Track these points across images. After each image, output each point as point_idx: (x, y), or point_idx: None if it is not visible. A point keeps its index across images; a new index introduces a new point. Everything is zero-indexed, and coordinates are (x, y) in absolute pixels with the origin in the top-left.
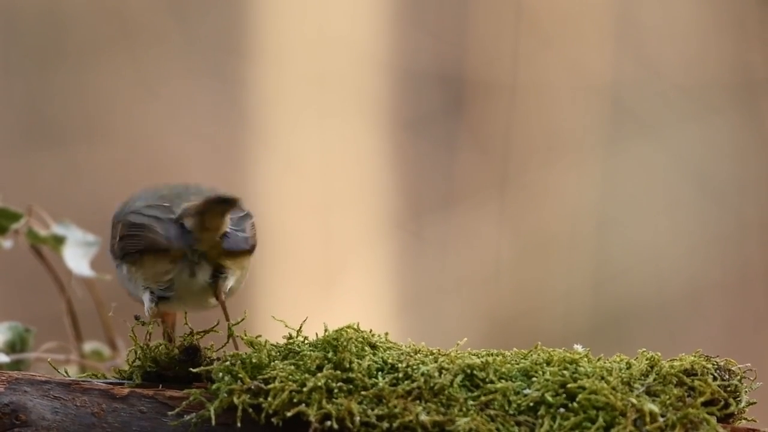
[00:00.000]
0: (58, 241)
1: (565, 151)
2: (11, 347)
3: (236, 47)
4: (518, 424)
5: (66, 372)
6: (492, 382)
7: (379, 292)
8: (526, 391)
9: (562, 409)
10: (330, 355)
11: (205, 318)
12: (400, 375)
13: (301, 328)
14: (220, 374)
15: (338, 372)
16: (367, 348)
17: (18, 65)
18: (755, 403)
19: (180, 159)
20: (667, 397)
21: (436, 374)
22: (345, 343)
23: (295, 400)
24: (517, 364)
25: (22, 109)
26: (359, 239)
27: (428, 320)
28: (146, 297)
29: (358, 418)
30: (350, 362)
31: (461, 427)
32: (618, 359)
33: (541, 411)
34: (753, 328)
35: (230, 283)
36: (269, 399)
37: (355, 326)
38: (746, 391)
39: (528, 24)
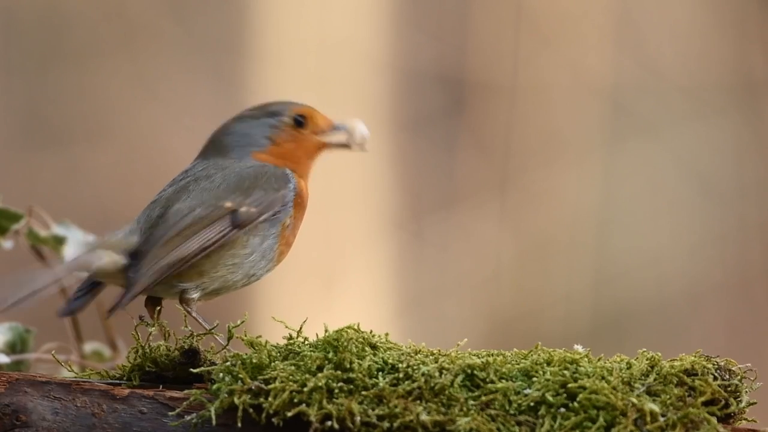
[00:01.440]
0: (59, 241)
1: (565, 151)
2: (11, 348)
3: (236, 47)
4: (519, 423)
5: (71, 368)
6: (492, 382)
7: (379, 292)
8: (527, 391)
9: (562, 409)
10: (330, 355)
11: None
12: (401, 375)
13: (301, 328)
14: (221, 374)
15: (339, 372)
16: (367, 348)
17: (18, 65)
18: (755, 403)
19: (180, 159)
20: (668, 396)
21: (437, 374)
22: (345, 344)
23: (295, 401)
24: (518, 364)
25: (22, 109)
26: (359, 240)
27: (428, 321)
28: None
29: (358, 418)
30: (351, 362)
31: (462, 427)
32: (618, 359)
33: (542, 411)
34: (753, 329)
35: (193, 293)
36: (270, 399)
37: (356, 327)
38: (747, 391)
39: (528, 25)
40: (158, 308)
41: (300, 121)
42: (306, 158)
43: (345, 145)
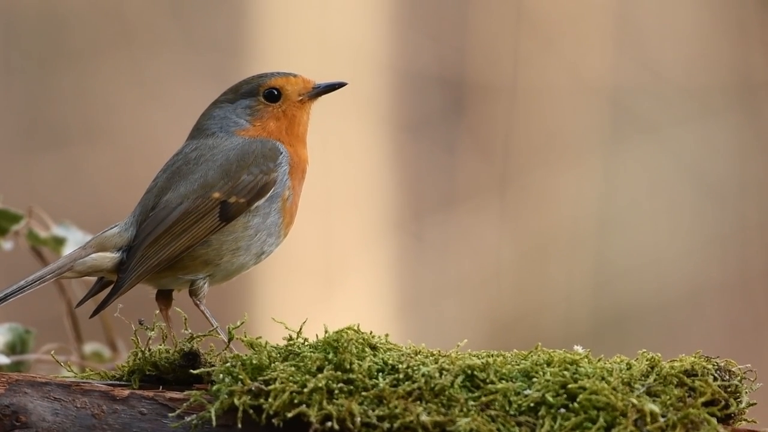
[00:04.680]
0: (59, 242)
1: (565, 152)
2: (11, 348)
3: (236, 49)
4: (519, 424)
5: (71, 369)
6: (493, 382)
7: (379, 293)
8: (527, 391)
9: (562, 410)
10: (330, 356)
11: (205, 321)
12: (401, 376)
13: (301, 329)
14: (221, 376)
15: (339, 373)
16: (367, 349)
17: (18, 66)
18: (755, 404)
19: None
20: (668, 397)
21: (437, 375)
22: (345, 344)
23: (295, 401)
24: (518, 364)
25: (22, 110)
26: (360, 241)
27: (429, 321)
28: None
29: (358, 419)
30: (351, 363)
31: (462, 428)
32: (618, 360)
33: (542, 411)
34: (753, 329)
35: (202, 283)
36: (270, 400)
37: (356, 327)
38: (746, 392)
39: (528, 26)
40: (169, 302)
41: (274, 95)
42: (293, 127)
43: (332, 87)
